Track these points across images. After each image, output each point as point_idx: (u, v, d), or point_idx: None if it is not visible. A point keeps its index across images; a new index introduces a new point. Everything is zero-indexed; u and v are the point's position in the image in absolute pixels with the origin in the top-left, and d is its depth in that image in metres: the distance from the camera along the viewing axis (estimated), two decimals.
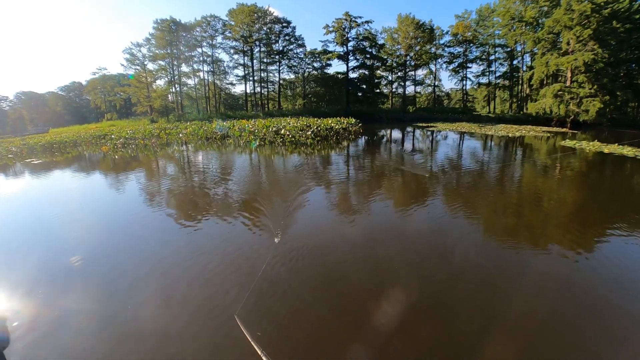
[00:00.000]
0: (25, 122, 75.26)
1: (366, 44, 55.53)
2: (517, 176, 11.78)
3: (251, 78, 56.92)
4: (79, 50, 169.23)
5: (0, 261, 5.66)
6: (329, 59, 56.13)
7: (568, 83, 44.10)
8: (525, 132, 31.27)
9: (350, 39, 54.64)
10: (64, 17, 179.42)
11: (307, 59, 57.76)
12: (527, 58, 56.79)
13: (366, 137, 25.48)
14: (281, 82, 59.45)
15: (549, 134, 29.87)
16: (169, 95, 55.57)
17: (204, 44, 54.27)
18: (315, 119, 28.45)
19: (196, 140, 24.13)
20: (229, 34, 54.09)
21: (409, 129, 35.29)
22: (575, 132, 35.18)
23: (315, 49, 57.49)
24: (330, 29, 54.09)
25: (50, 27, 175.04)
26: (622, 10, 41.03)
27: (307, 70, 58.98)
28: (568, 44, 43.18)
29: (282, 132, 21.26)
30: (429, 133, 29.36)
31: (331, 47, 56.17)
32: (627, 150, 17.92)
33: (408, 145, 20.94)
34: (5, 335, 1.50)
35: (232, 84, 62.01)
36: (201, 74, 56.69)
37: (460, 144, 21.75)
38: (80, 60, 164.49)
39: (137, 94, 52.40)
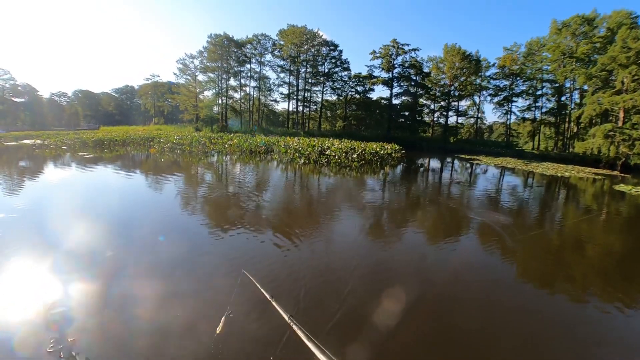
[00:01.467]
0: (79, 118, 79.95)
1: (411, 71, 55.60)
2: (583, 222, 11.12)
3: (295, 97, 58.05)
4: (134, 57, 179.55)
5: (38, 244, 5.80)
6: (373, 83, 56.59)
7: (620, 123, 42.05)
8: (574, 172, 29.86)
9: (396, 65, 54.96)
10: (124, 25, 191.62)
11: (350, 82, 58.40)
12: (576, 95, 54.65)
13: (411, 166, 25.12)
14: (323, 102, 60.34)
15: (599, 176, 28.42)
16: (215, 107, 57.49)
17: (253, 60, 56.26)
18: (359, 143, 28.43)
19: (240, 152, 24.60)
20: (278, 53, 55.85)
21: (453, 160, 34.49)
22: (626, 175, 33.12)
23: (360, 73, 58.25)
24: (377, 54, 54.68)
25: (112, 33, 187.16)
26: None
27: (350, 93, 59.56)
28: (622, 82, 41.28)
29: (328, 152, 21.31)
30: (473, 167, 28.48)
31: (376, 72, 56.65)
32: None
33: (459, 179, 20.48)
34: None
35: (275, 100, 63.64)
36: (247, 88, 58.61)
37: (501, 179, 20.97)
38: (134, 65, 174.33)
39: (185, 102, 54.59)
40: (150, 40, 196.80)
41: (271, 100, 63.30)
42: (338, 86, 58.50)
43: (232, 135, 35.32)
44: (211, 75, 53.87)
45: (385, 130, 54.63)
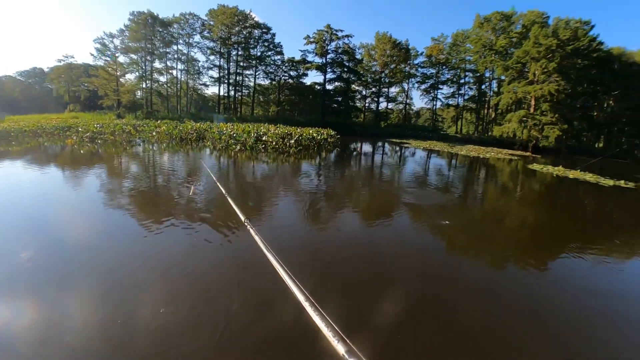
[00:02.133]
0: None
1: (344, 57, 56.33)
2: (499, 196, 12.11)
3: (226, 81, 56.07)
4: (42, 35, 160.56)
5: None
6: (307, 68, 56.46)
7: (532, 110, 46.86)
8: (493, 154, 32.85)
9: (329, 51, 55.29)
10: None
11: (284, 67, 57.69)
12: (494, 84, 59.75)
13: (346, 150, 25.69)
14: (256, 87, 59.00)
15: (514, 157, 31.59)
16: (139, 91, 53.56)
17: (180, 41, 53.16)
18: (296, 128, 28.25)
19: (169, 140, 23.22)
20: (207, 34, 53.29)
21: (384, 144, 35.80)
22: (536, 156, 37.76)
23: (293, 57, 57.71)
24: (311, 39, 54.58)
25: (15, 8, 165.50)
26: (583, 47, 44.69)
27: (283, 77, 58.88)
28: (534, 74, 45.94)
29: (265, 139, 20.86)
30: (404, 150, 29.88)
31: (310, 57, 56.60)
32: (589, 177, 19.43)
33: (392, 162, 21.23)
34: None
35: (205, 84, 60.72)
36: (174, 71, 55.20)
37: (429, 161, 22.28)
38: (44, 45, 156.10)
39: (104, 87, 50.01)
40: (62, 16, 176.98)
41: (200, 84, 60.41)
42: (271, 70, 57.63)
43: (158, 122, 33.21)
44: (134, 56, 49.86)
45: (319, 116, 54.99)
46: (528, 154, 41.90)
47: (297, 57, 57.41)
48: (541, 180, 18.13)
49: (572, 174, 20.35)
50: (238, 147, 19.37)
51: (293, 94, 59.91)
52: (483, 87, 61.14)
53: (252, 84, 58.25)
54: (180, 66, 55.05)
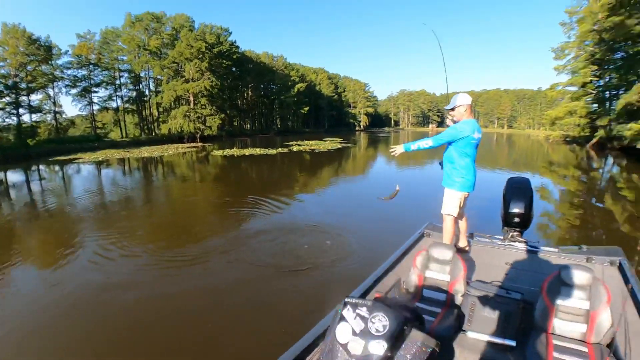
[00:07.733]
0: None
1: None
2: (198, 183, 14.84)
3: None
4: None
5: None
6: None
7: (192, 105, 53.77)
8: (172, 150, 36.50)
9: None
10: None
11: None
12: (152, 84, 61.84)
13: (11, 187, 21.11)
14: None
15: (190, 149, 37.80)
16: None
17: None
18: None
19: None
20: None
21: (53, 165, 29.93)
22: (205, 144, 45.73)
23: None
24: None
25: None
26: (225, 50, 56.22)
27: None
28: (189, 73, 52.50)
29: None
30: (89, 168, 26.64)
31: None
32: (258, 150, 31.32)
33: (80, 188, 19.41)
34: None
35: None
36: None
37: (101, 174, 22.49)
38: None
39: None
40: None
41: None
42: None
43: None
44: None
45: None
46: (199, 144, 48.04)
47: None
48: (215, 162, 24.66)
49: (247, 151, 29.64)
50: None
51: None
52: (141, 86, 61.40)
53: None
54: None
